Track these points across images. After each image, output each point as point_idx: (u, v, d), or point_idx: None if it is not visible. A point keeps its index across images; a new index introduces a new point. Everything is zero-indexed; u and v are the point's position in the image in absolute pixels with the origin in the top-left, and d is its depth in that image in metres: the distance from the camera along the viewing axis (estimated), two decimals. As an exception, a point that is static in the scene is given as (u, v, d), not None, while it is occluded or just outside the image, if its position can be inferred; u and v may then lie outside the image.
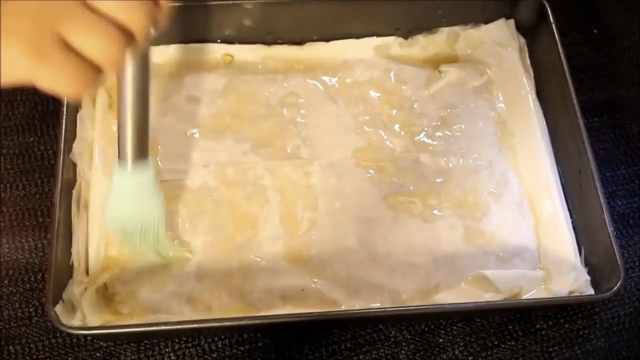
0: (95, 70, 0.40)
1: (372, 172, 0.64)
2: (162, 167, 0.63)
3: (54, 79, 0.39)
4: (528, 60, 0.70)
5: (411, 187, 0.64)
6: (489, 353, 0.60)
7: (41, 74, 0.39)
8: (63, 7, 0.39)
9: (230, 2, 0.67)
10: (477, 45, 0.71)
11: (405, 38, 0.71)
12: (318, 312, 0.57)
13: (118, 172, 0.54)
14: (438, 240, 0.61)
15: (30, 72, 0.38)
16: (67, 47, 0.39)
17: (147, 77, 0.51)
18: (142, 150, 0.53)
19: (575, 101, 0.63)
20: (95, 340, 0.58)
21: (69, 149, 0.60)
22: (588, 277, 0.59)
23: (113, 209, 0.56)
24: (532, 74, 0.69)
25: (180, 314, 0.57)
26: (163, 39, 0.69)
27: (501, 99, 0.69)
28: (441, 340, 0.60)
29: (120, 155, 0.53)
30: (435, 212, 0.63)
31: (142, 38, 0.41)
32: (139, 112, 0.51)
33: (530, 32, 0.70)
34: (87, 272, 0.58)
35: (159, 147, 0.64)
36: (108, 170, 0.62)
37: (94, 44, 0.39)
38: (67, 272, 0.57)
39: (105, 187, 0.61)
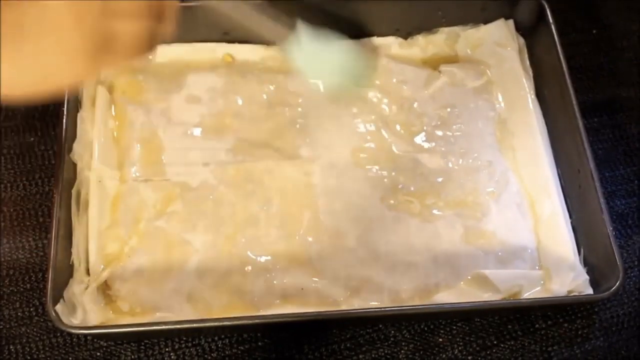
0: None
1: (372, 172, 0.64)
2: (163, 165, 0.63)
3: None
4: (527, 61, 0.70)
5: (411, 187, 0.64)
6: (488, 353, 0.60)
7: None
8: None
9: (231, 2, 0.67)
10: (476, 46, 0.71)
11: (405, 38, 0.71)
12: (318, 312, 0.57)
13: (294, 48, 0.57)
14: (438, 240, 0.61)
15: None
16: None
17: None
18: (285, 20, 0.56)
19: (574, 101, 0.63)
20: (95, 340, 0.58)
21: (69, 149, 0.60)
22: (587, 277, 0.60)
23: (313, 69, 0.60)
24: (532, 74, 0.69)
25: (180, 312, 0.57)
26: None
27: (501, 99, 0.69)
28: (441, 339, 0.60)
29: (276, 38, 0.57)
30: (435, 212, 0.63)
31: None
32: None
33: (529, 32, 0.70)
34: (87, 272, 0.58)
35: (161, 145, 0.64)
36: (108, 170, 0.62)
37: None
38: (67, 271, 0.57)
39: (105, 188, 0.61)
